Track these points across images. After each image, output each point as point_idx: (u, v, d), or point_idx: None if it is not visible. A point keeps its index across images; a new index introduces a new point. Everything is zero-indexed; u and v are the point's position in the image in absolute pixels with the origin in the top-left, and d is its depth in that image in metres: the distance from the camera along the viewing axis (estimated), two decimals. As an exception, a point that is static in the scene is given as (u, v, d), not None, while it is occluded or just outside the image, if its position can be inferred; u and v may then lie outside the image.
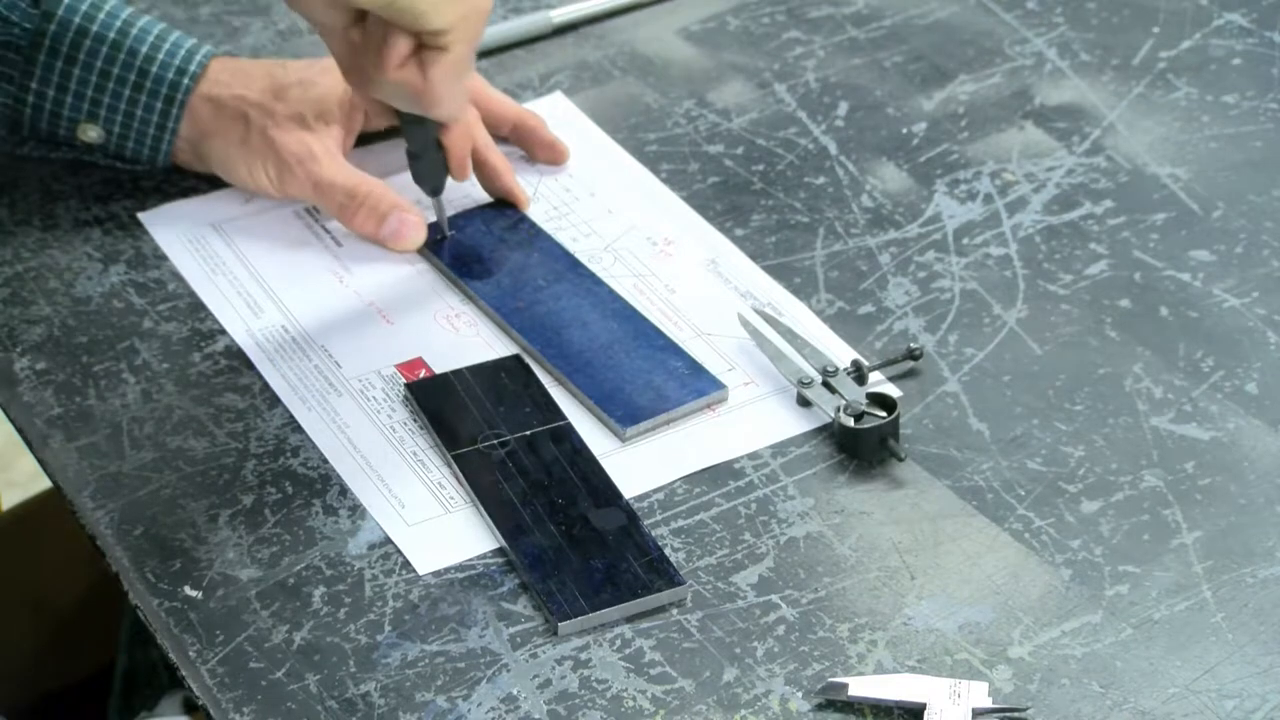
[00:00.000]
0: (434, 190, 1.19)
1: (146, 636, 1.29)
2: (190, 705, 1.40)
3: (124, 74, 1.22)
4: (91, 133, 1.23)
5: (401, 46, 1.06)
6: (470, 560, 1.04)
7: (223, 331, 1.17)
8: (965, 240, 1.23)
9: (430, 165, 1.18)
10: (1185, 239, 1.23)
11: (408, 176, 1.22)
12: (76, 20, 1.22)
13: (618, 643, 1.00)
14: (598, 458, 1.09)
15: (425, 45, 1.07)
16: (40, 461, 1.11)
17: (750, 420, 1.12)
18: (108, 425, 1.12)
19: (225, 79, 1.24)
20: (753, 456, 1.09)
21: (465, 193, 1.24)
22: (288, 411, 1.12)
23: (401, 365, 1.15)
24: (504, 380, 1.13)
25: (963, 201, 1.26)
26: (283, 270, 1.21)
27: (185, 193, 1.27)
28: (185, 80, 1.22)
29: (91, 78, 1.22)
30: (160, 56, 1.22)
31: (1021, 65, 1.37)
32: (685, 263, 1.22)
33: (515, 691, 0.98)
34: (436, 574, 1.03)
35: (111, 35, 1.22)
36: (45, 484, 1.27)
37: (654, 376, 1.13)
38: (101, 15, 1.22)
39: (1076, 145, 1.30)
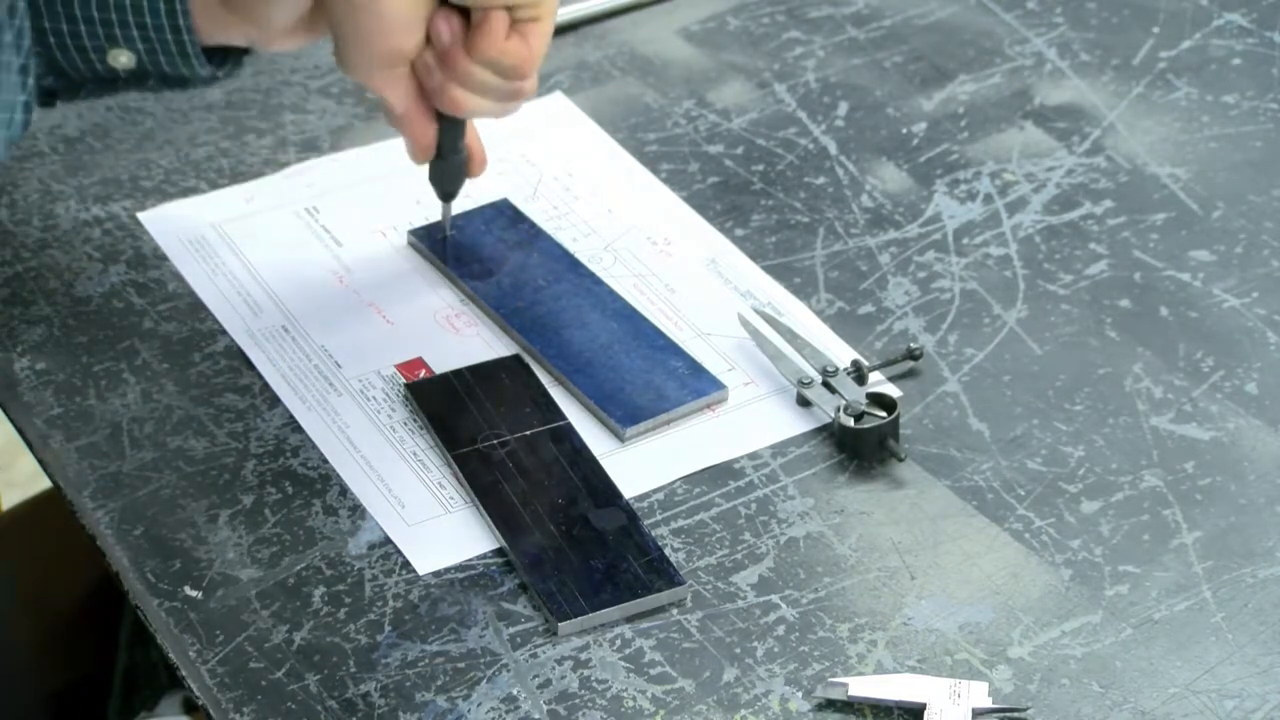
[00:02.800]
0: (448, 195, 1.19)
1: (146, 636, 1.29)
2: (190, 705, 1.40)
3: None
4: (123, 58, 1.17)
5: (504, 21, 1.08)
6: (470, 560, 1.04)
7: (223, 331, 1.17)
8: (965, 240, 1.23)
9: (453, 167, 1.17)
10: (1185, 239, 1.23)
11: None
12: None
13: (618, 643, 1.00)
14: (598, 458, 1.09)
15: (519, 20, 1.08)
16: (40, 461, 1.11)
17: (750, 420, 1.11)
18: (108, 425, 1.12)
19: None
20: (753, 456, 1.09)
21: (465, 192, 1.24)
22: (288, 411, 1.12)
23: (401, 365, 1.15)
24: (504, 380, 1.13)
25: (963, 201, 1.26)
26: (283, 270, 1.21)
27: (185, 193, 1.27)
28: None
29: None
30: None
31: (1021, 65, 1.37)
32: (685, 263, 1.22)
33: (515, 691, 0.98)
34: (436, 574, 1.03)
35: None
36: (45, 484, 1.27)
37: (654, 376, 1.13)
38: None
39: (1076, 145, 1.30)
